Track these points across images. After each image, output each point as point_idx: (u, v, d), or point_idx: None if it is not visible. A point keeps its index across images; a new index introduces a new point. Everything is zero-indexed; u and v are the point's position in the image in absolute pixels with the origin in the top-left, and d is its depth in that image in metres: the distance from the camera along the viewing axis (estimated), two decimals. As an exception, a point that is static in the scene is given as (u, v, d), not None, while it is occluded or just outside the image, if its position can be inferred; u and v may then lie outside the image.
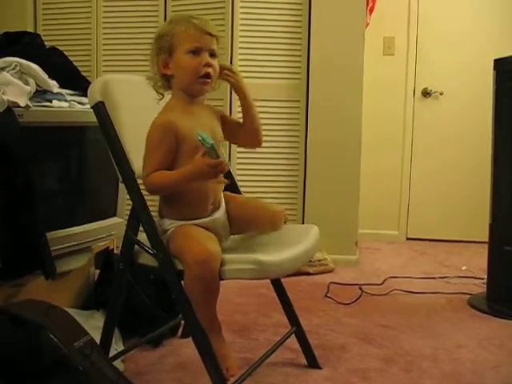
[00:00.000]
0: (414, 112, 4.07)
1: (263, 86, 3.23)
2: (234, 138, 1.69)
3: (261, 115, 3.17)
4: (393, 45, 4.03)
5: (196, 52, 1.48)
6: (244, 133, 1.66)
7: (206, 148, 1.35)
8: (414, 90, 4.05)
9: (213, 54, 1.51)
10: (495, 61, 2.53)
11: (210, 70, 1.49)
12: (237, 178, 1.90)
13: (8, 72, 1.82)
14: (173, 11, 3.32)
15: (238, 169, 3.21)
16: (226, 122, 1.65)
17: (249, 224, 1.60)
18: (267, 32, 3.24)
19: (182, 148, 1.47)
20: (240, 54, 3.23)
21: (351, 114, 3.23)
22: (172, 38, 1.49)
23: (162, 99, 1.58)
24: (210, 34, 1.49)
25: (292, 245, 1.56)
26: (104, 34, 3.43)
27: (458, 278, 3.02)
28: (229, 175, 1.71)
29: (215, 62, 1.51)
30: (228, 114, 1.71)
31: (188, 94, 1.53)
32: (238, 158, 3.23)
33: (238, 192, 1.79)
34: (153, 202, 1.52)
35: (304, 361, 1.89)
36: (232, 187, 1.75)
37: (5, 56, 1.86)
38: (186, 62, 1.48)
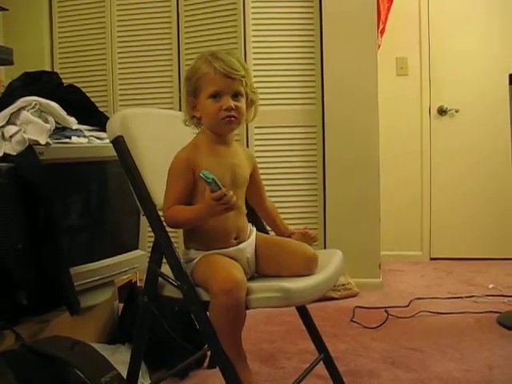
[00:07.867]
0: (431, 130, 4.06)
1: (279, 113, 3.25)
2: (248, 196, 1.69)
3: (277, 142, 3.25)
4: (405, 65, 4.04)
5: (217, 96, 1.48)
6: (256, 206, 1.73)
7: (209, 184, 1.36)
8: (430, 109, 4.05)
9: (237, 95, 1.50)
10: (511, 76, 2.52)
11: (231, 113, 1.48)
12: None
13: (28, 111, 1.85)
14: (186, 48, 3.38)
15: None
16: (251, 176, 1.64)
17: (279, 267, 1.54)
18: (280, 59, 3.27)
19: (199, 186, 1.48)
20: (255, 82, 3.24)
21: (368, 137, 3.23)
22: (196, 81, 1.50)
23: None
24: (231, 77, 1.48)
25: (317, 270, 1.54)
26: (119, 68, 3.49)
27: (485, 297, 2.96)
28: (251, 211, 1.72)
29: (240, 103, 1.50)
30: (258, 168, 1.72)
31: (216, 134, 1.54)
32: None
33: (265, 231, 1.77)
34: (175, 234, 1.53)
35: (333, 388, 1.86)
36: (258, 225, 1.73)
37: (25, 95, 1.89)
38: (207, 106, 1.49)
